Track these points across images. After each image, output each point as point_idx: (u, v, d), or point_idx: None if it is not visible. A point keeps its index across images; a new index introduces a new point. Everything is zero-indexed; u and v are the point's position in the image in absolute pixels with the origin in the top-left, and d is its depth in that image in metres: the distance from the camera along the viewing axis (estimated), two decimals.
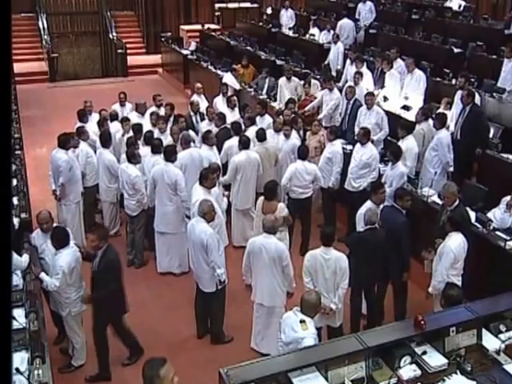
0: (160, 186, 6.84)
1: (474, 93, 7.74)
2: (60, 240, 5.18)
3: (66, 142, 7.23)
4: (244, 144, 7.50)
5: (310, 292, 4.59)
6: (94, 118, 8.83)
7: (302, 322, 4.25)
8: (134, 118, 8.79)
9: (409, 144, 7.27)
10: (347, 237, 6.56)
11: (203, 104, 9.77)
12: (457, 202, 5.78)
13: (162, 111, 9.22)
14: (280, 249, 5.29)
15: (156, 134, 8.01)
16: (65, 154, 7.19)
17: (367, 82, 9.91)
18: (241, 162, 7.42)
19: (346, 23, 13.24)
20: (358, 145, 7.48)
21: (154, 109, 9.24)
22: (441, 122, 7.33)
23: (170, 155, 6.87)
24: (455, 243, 5.24)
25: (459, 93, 8.22)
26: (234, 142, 7.72)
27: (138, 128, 8.01)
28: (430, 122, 7.74)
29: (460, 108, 7.89)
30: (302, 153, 7.34)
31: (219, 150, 7.78)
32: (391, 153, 6.97)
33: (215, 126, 8.42)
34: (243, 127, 8.19)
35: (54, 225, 5.60)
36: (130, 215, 7.21)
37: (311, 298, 4.40)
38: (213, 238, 5.53)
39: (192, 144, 7.56)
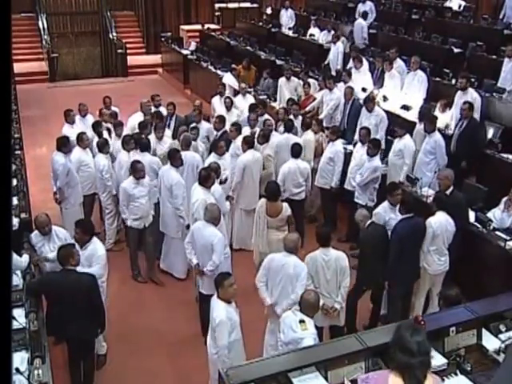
0: (161, 187, 6.87)
1: (473, 106, 7.63)
2: (87, 231, 5.22)
3: (63, 144, 7.15)
4: (249, 143, 7.46)
5: (309, 292, 4.57)
6: (89, 119, 8.81)
7: (301, 321, 4.25)
8: (138, 117, 8.73)
9: (406, 142, 7.34)
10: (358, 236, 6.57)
11: (246, 103, 9.54)
12: (451, 187, 6.04)
13: (162, 111, 9.21)
14: (299, 269, 5.03)
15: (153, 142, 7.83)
16: (62, 158, 7.08)
17: (367, 82, 9.93)
18: (248, 161, 7.38)
19: (356, 23, 13.23)
20: (359, 144, 7.51)
21: (152, 109, 9.21)
22: (433, 125, 7.29)
23: (172, 159, 6.79)
24: (435, 219, 5.62)
25: (459, 93, 8.24)
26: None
27: (143, 126, 8.00)
28: None
29: (459, 111, 7.83)
30: (295, 151, 7.33)
31: None
32: (372, 146, 7.05)
33: (214, 129, 8.38)
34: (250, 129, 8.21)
35: (54, 227, 5.59)
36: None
37: (310, 298, 4.40)
38: (221, 242, 5.51)
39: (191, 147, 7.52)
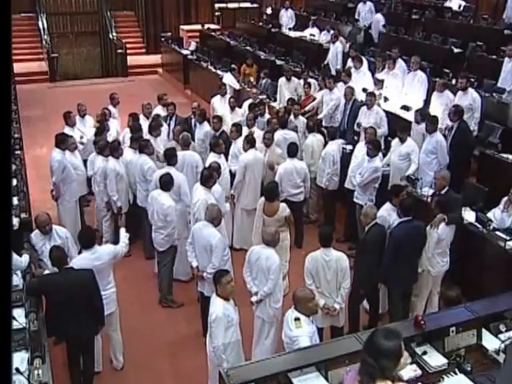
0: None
1: (462, 110, 7.55)
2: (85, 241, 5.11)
3: (61, 141, 7.14)
4: (250, 143, 7.43)
5: (302, 289, 4.52)
6: (88, 120, 8.82)
7: (296, 319, 4.20)
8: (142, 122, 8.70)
9: (413, 145, 7.28)
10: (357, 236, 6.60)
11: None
12: (446, 187, 6.08)
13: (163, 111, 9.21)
14: (270, 262, 5.13)
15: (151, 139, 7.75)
16: (59, 154, 7.08)
17: (367, 82, 9.92)
18: (249, 160, 7.35)
19: (374, 18, 13.49)
20: (362, 143, 7.49)
21: (159, 109, 9.23)
22: (434, 125, 7.26)
23: (170, 158, 6.78)
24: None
25: (460, 93, 8.23)
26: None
27: (136, 129, 7.99)
28: None
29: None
30: (292, 150, 7.32)
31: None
32: (372, 147, 7.01)
33: (213, 129, 8.35)
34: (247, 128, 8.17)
35: (54, 226, 5.59)
36: (157, 250, 6.51)
37: (303, 295, 4.32)
38: (221, 242, 5.51)
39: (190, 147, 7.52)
